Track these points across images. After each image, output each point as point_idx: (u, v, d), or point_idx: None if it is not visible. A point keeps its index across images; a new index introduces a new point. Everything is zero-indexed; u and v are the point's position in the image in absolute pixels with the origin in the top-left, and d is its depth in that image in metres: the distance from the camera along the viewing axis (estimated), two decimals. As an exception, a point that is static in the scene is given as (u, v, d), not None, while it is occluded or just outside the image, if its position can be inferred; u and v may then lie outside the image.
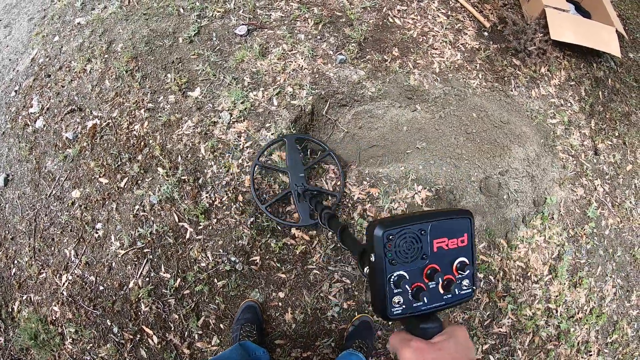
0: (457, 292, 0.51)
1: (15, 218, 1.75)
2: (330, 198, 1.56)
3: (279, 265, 1.47)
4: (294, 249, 1.49)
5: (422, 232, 0.49)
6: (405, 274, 0.50)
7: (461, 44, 1.87)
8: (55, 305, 1.62)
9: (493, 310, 1.57)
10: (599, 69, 2.07)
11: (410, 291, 0.49)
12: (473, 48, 1.88)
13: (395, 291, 0.49)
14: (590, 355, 1.71)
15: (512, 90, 1.84)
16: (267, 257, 1.48)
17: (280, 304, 1.46)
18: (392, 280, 0.49)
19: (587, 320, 1.69)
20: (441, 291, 0.51)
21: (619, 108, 2.04)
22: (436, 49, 1.82)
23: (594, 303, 1.73)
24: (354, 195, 1.55)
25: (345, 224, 1.07)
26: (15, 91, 1.97)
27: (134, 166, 1.61)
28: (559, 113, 1.89)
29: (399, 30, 1.83)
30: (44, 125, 1.83)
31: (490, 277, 1.57)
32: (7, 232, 1.76)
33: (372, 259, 0.50)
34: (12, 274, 1.72)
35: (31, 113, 1.89)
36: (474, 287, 0.53)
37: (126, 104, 1.72)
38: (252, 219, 1.50)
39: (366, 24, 1.82)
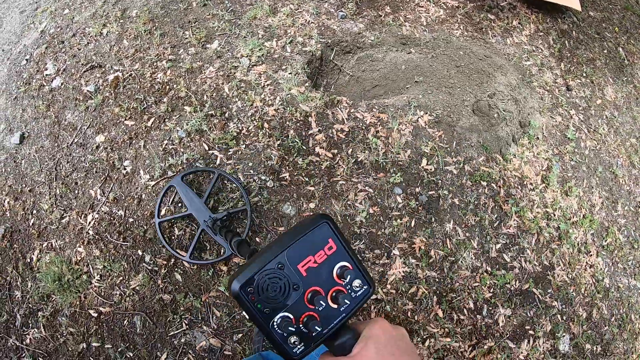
0: (350, 299, 0.55)
1: (33, 171, 2.07)
2: (241, 214, 1.89)
3: (307, 179, 1.91)
4: (319, 165, 1.93)
5: (281, 265, 0.53)
6: (286, 314, 0.53)
7: (443, 3, 2.56)
8: (80, 246, 1.92)
9: (499, 213, 2.07)
10: (563, 23, 2.82)
11: (301, 326, 0.53)
12: (453, 6, 2.57)
13: (286, 334, 0.52)
14: (591, 255, 2.23)
15: (490, 39, 2.52)
16: (296, 173, 1.92)
17: (311, 213, 1.85)
18: (276, 326, 0.52)
19: (582, 223, 2.24)
20: (334, 306, 0.54)
21: (584, 54, 2.77)
22: (422, 6, 2.48)
23: (586, 210, 2.29)
24: (366, 120, 2.06)
25: (254, 248, 1.23)
26: (27, 60, 2.36)
27: (160, 107, 2.04)
28: (532, 57, 2.57)
29: (389, -8, 2.47)
30: (61, 84, 2.22)
31: (492, 184, 2.09)
32: (24, 185, 2.07)
33: (246, 316, 0.66)
34: (31, 224, 2.01)
35: (46, 75, 2.28)
36: (369, 283, 0.58)
37: (147, 57, 2.18)
38: (278, 142, 1.92)
39: (360, -13, 2.44)
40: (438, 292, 1.94)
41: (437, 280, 1.95)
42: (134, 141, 2.07)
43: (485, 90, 2.22)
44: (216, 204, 1.93)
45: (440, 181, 2.08)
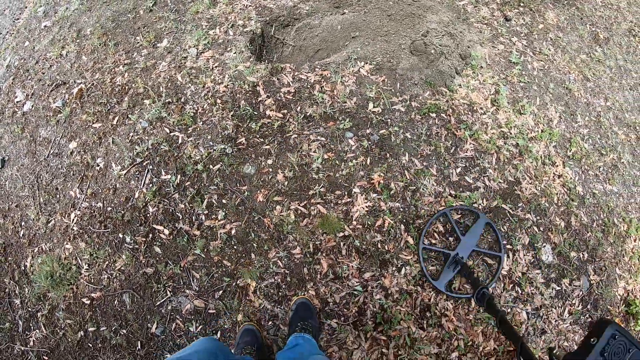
0: None
1: (16, 188, 2.28)
2: (491, 263, 2.10)
3: (262, 140, 2.07)
4: (272, 125, 2.09)
5: None
6: None
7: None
8: (67, 243, 2.10)
9: (453, 140, 2.19)
10: None
11: None
12: (380, -31, 2.74)
13: None
14: (557, 166, 2.32)
15: (419, -10, 2.66)
16: (251, 137, 2.09)
17: (270, 169, 2.02)
18: None
19: (541, 137, 2.34)
20: None
21: None
22: (350, -26, 2.65)
23: (543, 125, 2.39)
24: (310, 79, 2.24)
25: (503, 312, 1.43)
26: (-2, 93, 2.59)
27: (122, 105, 2.25)
28: (465, -2, 2.71)
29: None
30: (32, 107, 2.46)
31: (442, 115, 2.22)
32: (10, 202, 2.27)
33: None
34: (21, 235, 2.20)
35: (17, 102, 2.53)
36: None
37: (105, 66, 2.41)
38: (232, 113, 2.10)
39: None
40: (404, 220, 2.04)
41: (401, 209, 2.05)
42: (103, 140, 2.27)
43: (419, 30, 2.38)
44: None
45: (389, 120, 2.21)
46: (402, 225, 2.02)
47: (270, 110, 2.16)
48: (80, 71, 2.49)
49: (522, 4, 2.89)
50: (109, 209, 2.11)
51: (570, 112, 2.59)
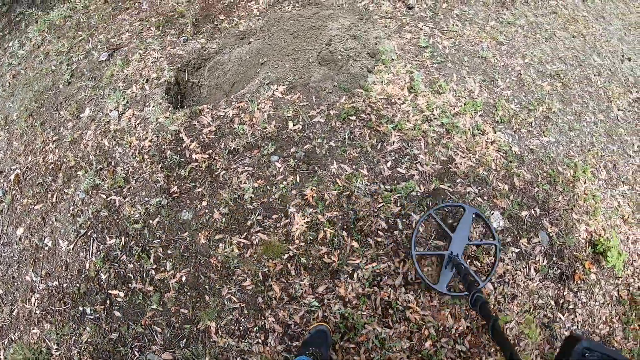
0: None
1: None
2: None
3: (193, 184, 2.15)
4: (200, 168, 2.17)
5: None
6: None
7: (269, -10, 2.84)
8: (34, 327, 2.16)
9: (378, 136, 2.27)
10: None
11: None
12: (279, -11, 2.84)
13: None
14: (487, 134, 2.39)
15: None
16: (182, 183, 2.15)
17: (206, 210, 2.10)
18: None
19: (465, 110, 2.41)
20: None
21: None
22: (251, 1, 2.75)
23: (465, 98, 2.46)
24: (229, 114, 2.30)
25: (496, 317, 1.37)
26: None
27: (58, 182, 2.31)
28: (365, -3, 2.81)
29: (219, 2, 2.79)
30: (-24, 203, 2.50)
31: (362, 115, 2.29)
32: None
33: None
34: None
35: (-37, 201, 2.56)
36: None
37: (36, 147, 2.48)
38: (160, 165, 2.18)
39: (193, 10, 2.77)
40: (345, 227, 2.12)
41: (339, 217, 2.12)
42: (46, 219, 2.34)
43: (322, 41, 2.47)
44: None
45: (311, 134, 2.29)
46: (343, 232, 2.09)
47: (196, 154, 2.24)
48: (13, 157, 2.57)
49: (422, -12, 2.99)
50: (65, 285, 2.18)
51: (489, 79, 2.67)
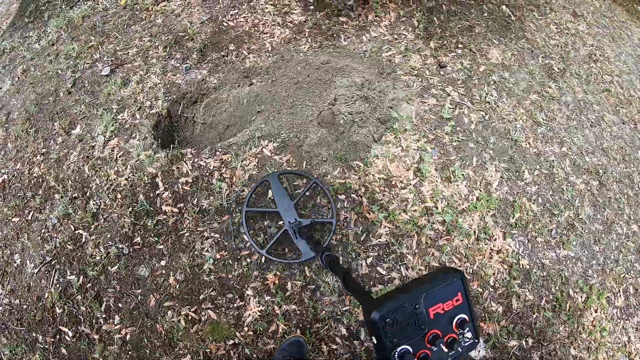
0: (461, 347, 0.65)
1: None
2: (326, 225, 2.03)
3: (156, 239, 2.05)
4: (167, 222, 2.06)
5: (417, 306, 0.64)
6: (408, 347, 0.64)
7: (289, 22, 2.58)
8: None
9: (365, 224, 2.03)
10: (429, 1, 2.69)
11: None
12: (300, 22, 2.59)
13: None
14: (495, 239, 2.11)
15: (342, 42, 2.49)
16: (147, 235, 2.06)
17: (163, 271, 2.00)
18: (397, 356, 0.64)
19: (476, 207, 2.11)
20: (445, 350, 0.66)
21: (459, 25, 2.63)
22: (266, 32, 2.53)
23: (480, 191, 2.15)
24: (210, 166, 2.15)
25: (347, 269, 1.36)
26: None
27: (36, 200, 2.29)
28: (394, 46, 2.50)
29: (233, 30, 2.57)
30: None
31: (352, 195, 2.06)
32: None
33: (374, 341, 0.65)
34: None
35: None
36: (477, 338, 0.69)
37: (25, 155, 2.47)
38: (130, 209, 2.09)
39: (204, 34, 2.57)
40: (300, 325, 1.94)
41: (297, 313, 1.95)
42: (20, 236, 2.35)
43: (325, 98, 2.21)
44: (302, 210, 2.06)
45: (289, 208, 2.10)
46: (297, 330, 1.93)
47: (167, 205, 2.13)
48: (5, 160, 2.58)
49: (460, 45, 2.58)
50: (25, 306, 2.21)
51: (515, 169, 2.31)
